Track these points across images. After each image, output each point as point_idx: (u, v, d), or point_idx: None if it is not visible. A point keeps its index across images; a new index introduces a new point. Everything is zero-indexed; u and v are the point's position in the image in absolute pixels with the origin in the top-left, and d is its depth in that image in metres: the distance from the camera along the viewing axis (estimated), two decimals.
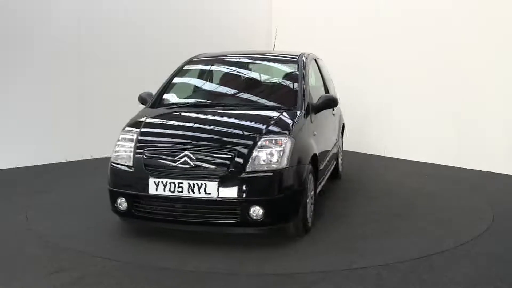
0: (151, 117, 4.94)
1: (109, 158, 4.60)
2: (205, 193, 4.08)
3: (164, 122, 5.00)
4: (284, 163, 4.22)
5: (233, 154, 4.20)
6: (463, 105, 7.58)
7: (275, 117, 4.70)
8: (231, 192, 4.10)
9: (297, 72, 5.43)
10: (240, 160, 4.17)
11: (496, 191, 6.31)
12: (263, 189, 4.17)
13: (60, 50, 7.78)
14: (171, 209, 4.27)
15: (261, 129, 4.48)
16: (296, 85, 5.25)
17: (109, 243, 4.46)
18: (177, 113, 5.10)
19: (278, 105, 5.07)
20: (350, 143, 8.44)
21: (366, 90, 8.76)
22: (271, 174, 4.18)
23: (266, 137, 4.35)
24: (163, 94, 5.39)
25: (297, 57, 5.77)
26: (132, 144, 4.48)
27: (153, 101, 5.28)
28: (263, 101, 5.32)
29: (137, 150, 4.41)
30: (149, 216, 4.37)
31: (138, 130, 4.62)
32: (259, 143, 4.28)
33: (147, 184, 4.20)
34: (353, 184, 6.68)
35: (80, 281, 3.63)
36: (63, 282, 3.61)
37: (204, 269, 3.85)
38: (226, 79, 5.86)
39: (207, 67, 6.01)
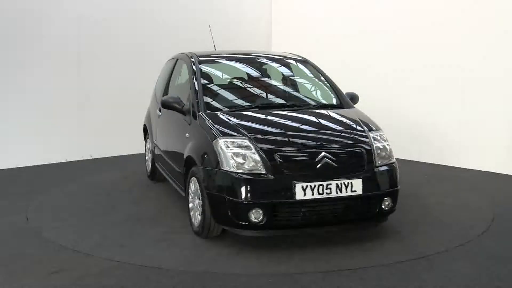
0: (239, 123, 4.48)
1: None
2: (352, 191, 4.14)
3: (268, 125, 4.59)
4: (393, 155, 4.57)
5: (362, 150, 4.36)
6: (463, 105, 7.58)
7: (353, 113, 4.94)
8: (372, 187, 4.27)
9: (316, 71, 5.65)
10: (370, 155, 4.36)
11: (496, 191, 6.30)
12: (391, 181, 4.43)
13: (60, 50, 7.78)
14: (319, 213, 4.15)
15: (361, 124, 4.71)
16: (328, 83, 5.48)
17: (109, 243, 4.45)
18: (265, 115, 4.73)
19: (333, 103, 5.27)
20: None
21: (366, 90, 8.73)
22: (393, 166, 4.49)
23: (372, 132, 4.60)
24: (203, 98, 4.87)
25: (301, 57, 5.92)
26: (251, 151, 4.11)
27: (204, 106, 4.76)
28: (320, 99, 5.45)
29: (265, 156, 4.09)
30: (293, 224, 4.14)
31: (244, 136, 4.25)
32: (371, 138, 4.50)
33: (293, 190, 3.99)
34: None
35: (80, 281, 3.64)
36: (63, 282, 3.61)
37: (204, 269, 3.85)
38: (259, 79, 5.73)
39: (230, 67, 5.74)
